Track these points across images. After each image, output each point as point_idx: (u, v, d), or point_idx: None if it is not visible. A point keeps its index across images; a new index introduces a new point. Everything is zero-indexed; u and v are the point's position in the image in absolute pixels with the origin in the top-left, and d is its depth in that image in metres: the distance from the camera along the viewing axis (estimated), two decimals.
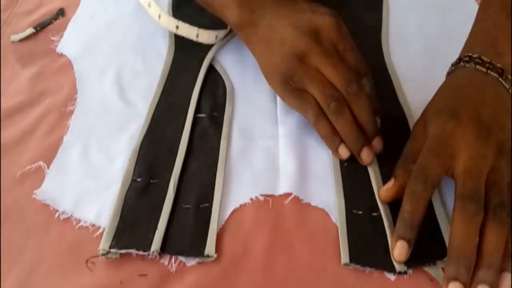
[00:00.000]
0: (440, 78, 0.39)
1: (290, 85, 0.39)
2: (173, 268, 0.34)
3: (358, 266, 0.33)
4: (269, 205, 0.37)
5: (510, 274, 0.30)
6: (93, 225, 0.36)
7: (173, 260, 0.34)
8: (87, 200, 0.38)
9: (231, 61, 0.49)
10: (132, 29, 0.53)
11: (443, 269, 0.33)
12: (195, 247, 0.34)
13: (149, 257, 0.34)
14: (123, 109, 0.45)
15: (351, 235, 0.35)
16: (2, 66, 0.50)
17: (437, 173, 0.33)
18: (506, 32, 0.38)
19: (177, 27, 0.48)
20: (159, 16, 0.49)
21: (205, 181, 0.38)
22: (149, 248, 0.34)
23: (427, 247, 0.33)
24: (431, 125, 0.35)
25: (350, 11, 0.53)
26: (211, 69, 0.48)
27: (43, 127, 0.43)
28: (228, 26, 0.49)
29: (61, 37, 0.52)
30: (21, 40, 0.52)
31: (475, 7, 0.49)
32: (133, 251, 0.34)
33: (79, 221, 0.37)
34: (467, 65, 0.38)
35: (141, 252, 0.34)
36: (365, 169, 0.39)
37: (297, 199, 0.37)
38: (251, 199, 0.37)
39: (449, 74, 0.40)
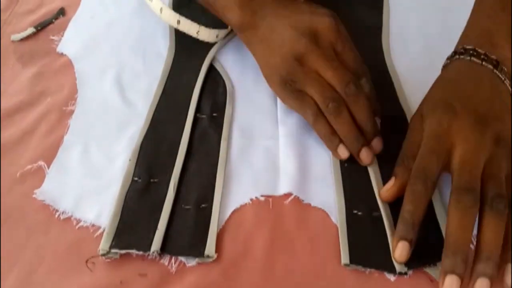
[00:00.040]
0: None
1: (290, 87, 0.40)
2: (173, 268, 0.34)
3: (358, 267, 0.33)
4: (269, 205, 0.37)
5: None
6: (93, 225, 0.36)
7: (173, 260, 0.34)
8: (87, 200, 0.38)
9: (231, 60, 0.49)
10: (132, 29, 0.53)
11: None
12: (195, 248, 0.34)
13: (149, 257, 0.34)
14: (124, 109, 0.45)
15: (351, 236, 0.35)
16: (3, 66, 0.50)
17: (437, 171, 0.33)
18: (501, 24, 0.38)
19: (178, 22, 0.48)
20: (161, 10, 0.49)
21: (205, 182, 0.38)
22: (149, 249, 0.34)
23: (427, 248, 0.33)
24: (427, 119, 0.35)
25: (351, 12, 0.53)
26: (212, 68, 0.48)
27: (44, 127, 0.43)
28: (229, 27, 0.49)
29: (61, 36, 0.52)
30: (22, 40, 0.52)
31: None
32: (133, 251, 0.34)
33: (79, 221, 0.37)
34: (462, 57, 0.38)
35: (141, 253, 0.34)
36: (365, 169, 0.39)
37: (297, 200, 0.37)
38: (251, 200, 0.37)
39: (444, 67, 0.40)
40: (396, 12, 0.54)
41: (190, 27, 0.48)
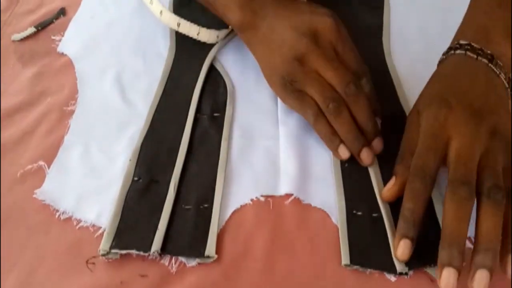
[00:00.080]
0: None
1: (290, 87, 0.40)
2: (174, 268, 0.34)
3: (358, 267, 0.33)
4: (270, 205, 0.37)
5: None
6: (94, 226, 0.36)
7: (173, 260, 0.34)
8: (87, 200, 0.38)
9: (232, 60, 0.49)
10: (132, 29, 0.53)
11: None
12: (196, 248, 0.34)
13: (150, 257, 0.34)
14: (124, 109, 0.45)
15: (351, 236, 0.35)
16: (3, 66, 0.50)
17: (434, 167, 0.33)
18: (497, 21, 0.38)
19: (178, 25, 0.48)
20: (161, 13, 0.49)
21: (206, 182, 0.38)
22: (149, 249, 0.34)
23: (428, 248, 0.33)
24: (423, 114, 0.36)
25: (351, 12, 0.53)
26: (212, 68, 0.48)
27: (44, 127, 0.43)
28: (229, 26, 0.49)
29: (62, 36, 0.52)
30: (22, 40, 0.52)
31: None
32: (133, 251, 0.34)
33: (79, 221, 0.36)
34: (457, 52, 0.38)
35: (141, 253, 0.34)
36: (365, 169, 0.39)
37: (297, 200, 0.37)
38: (252, 200, 0.37)
39: (440, 62, 0.40)
40: (396, 12, 0.54)
41: (190, 29, 0.48)
